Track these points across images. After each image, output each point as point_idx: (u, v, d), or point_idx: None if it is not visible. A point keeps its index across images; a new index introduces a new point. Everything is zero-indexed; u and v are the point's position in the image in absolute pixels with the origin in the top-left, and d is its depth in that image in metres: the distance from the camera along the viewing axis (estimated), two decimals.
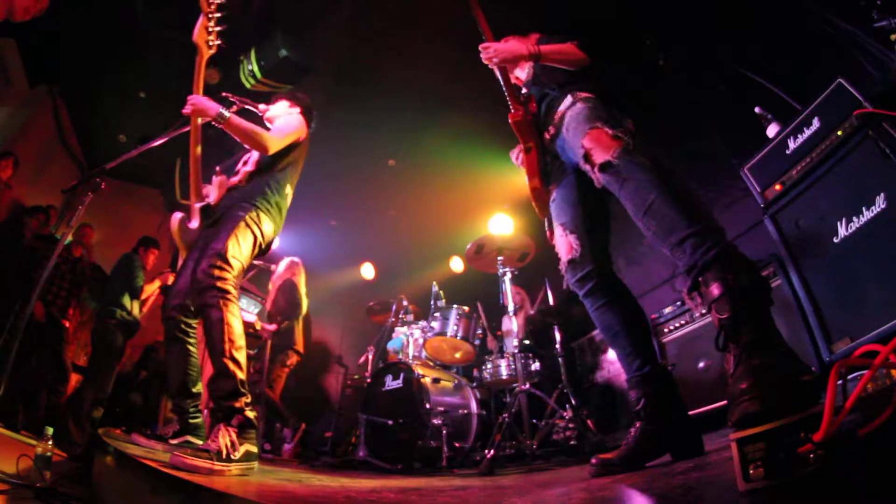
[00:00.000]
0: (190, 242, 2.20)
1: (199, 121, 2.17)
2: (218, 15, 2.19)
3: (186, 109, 2.08)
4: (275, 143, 2.18)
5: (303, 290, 4.90)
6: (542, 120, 1.87)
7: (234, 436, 1.61)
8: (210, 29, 2.18)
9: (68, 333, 4.30)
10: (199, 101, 2.06)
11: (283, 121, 2.35)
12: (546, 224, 1.84)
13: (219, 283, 1.81)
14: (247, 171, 2.27)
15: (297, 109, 2.54)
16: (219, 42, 2.20)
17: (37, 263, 3.93)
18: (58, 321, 4.12)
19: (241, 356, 1.77)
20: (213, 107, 2.07)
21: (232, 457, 1.55)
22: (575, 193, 1.72)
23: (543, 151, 1.86)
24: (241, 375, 1.73)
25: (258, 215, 2.07)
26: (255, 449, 1.67)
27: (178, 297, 2.11)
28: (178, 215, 2.23)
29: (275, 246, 2.34)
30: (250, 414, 1.70)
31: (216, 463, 1.50)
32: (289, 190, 2.28)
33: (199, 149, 2.18)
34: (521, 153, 1.91)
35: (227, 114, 2.07)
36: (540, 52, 1.83)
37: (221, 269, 1.84)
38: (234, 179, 2.30)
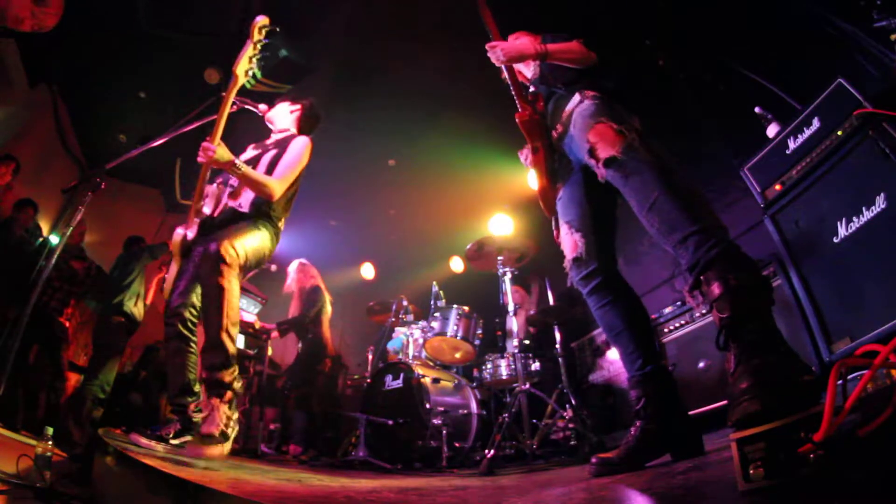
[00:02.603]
0: (187, 252, 2.24)
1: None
2: (266, 42, 2.14)
3: (200, 158, 2.02)
4: (279, 190, 2.19)
5: (325, 292, 4.83)
6: (549, 119, 1.87)
7: (227, 411, 1.77)
8: (252, 59, 2.12)
9: (67, 333, 4.30)
10: (214, 153, 2.00)
11: (289, 155, 2.30)
12: (553, 223, 1.83)
13: (226, 258, 1.88)
14: (251, 200, 2.24)
15: (297, 107, 2.54)
16: (255, 71, 2.17)
17: (31, 261, 3.93)
18: (55, 320, 4.12)
19: (235, 332, 1.90)
20: (228, 159, 2.02)
21: (228, 433, 1.73)
22: (581, 192, 1.72)
23: (551, 151, 1.86)
24: (231, 349, 1.86)
25: (261, 232, 2.14)
26: (236, 415, 1.85)
27: (181, 297, 2.14)
28: (181, 231, 2.26)
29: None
30: (237, 385, 1.87)
31: (224, 445, 1.70)
32: (283, 223, 2.34)
33: (206, 186, 2.22)
34: (529, 153, 1.91)
35: (241, 168, 2.05)
36: (547, 50, 1.82)
37: (230, 248, 1.91)
38: (234, 203, 2.26)
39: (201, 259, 1.98)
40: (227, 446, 1.72)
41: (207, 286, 1.90)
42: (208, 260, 1.90)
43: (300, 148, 2.33)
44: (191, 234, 2.23)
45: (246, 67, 2.14)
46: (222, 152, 2.02)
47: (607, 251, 1.67)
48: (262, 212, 2.21)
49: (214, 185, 2.33)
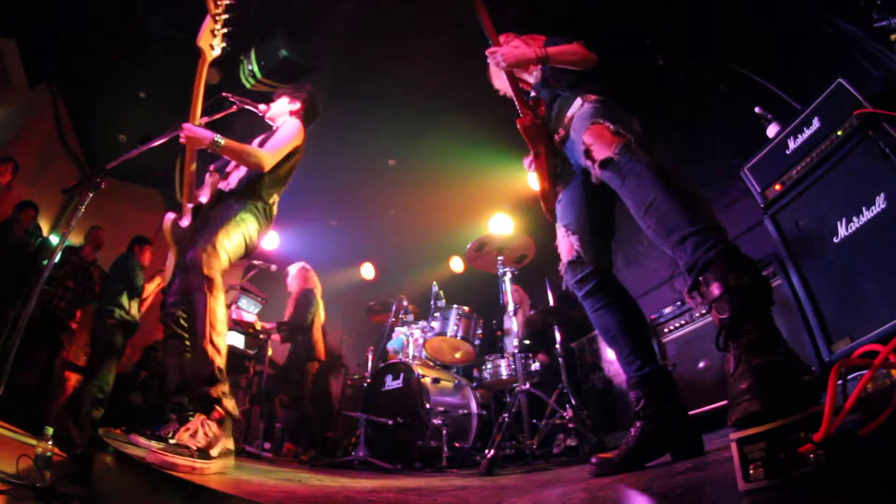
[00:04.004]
0: (181, 241, 2.19)
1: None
2: (225, 16, 2.11)
3: (182, 139, 2.06)
4: (270, 160, 2.18)
5: (319, 297, 4.89)
6: (552, 123, 1.86)
7: (215, 430, 1.60)
8: (216, 32, 2.10)
9: (73, 336, 4.30)
10: (193, 132, 2.05)
11: (279, 133, 2.34)
12: (557, 227, 1.84)
13: (205, 269, 1.82)
14: (239, 178, 2.25)
15: (298, 105, 2.52)
16: (224, 45, 2.13)
17: (31, 262, 3.93)
18: (64, 323, 4.12)
19: (221, 342, 1.77)
20: (207, 136, 2.05)
21: (211, 453, 1.52)
22: (580, 195, 1.72)
23: (553, 154, 1.86)
24: (219, 362, 1.73)
25: (246, 216, 2.08)
26: (231, 445, 1.66)
27: (175, 294, 2.12)
28: (170, 216, 2.22)
29: (271, 248, 2.33)
30: (228, 404, 1.69)
31: (197, 461, 1.46)
32: (276, 198, 2.27)
33: (193, 166, 2.16)
34: (531, 158, 1.91)
35: (221, 141, 2.06)
36: (547, 54, 1.82)
37: (209, 255, 1.85)
38: (224, 184, 2.28)
39: (180, 271, 1.92)
40: (210, 466, 1.48)
41: (188, 300, 1.83)
42: (187, 269, 1.84)
43: (290, 127, 2.34)
44: (185, 223, 2.19)
45: (210, 41, 2.09)
46: (201, 131, 2.04)
47: (603, 254, 1.67)
48: (250, 189, 2.17)
49: (208, 176, 2.32)
